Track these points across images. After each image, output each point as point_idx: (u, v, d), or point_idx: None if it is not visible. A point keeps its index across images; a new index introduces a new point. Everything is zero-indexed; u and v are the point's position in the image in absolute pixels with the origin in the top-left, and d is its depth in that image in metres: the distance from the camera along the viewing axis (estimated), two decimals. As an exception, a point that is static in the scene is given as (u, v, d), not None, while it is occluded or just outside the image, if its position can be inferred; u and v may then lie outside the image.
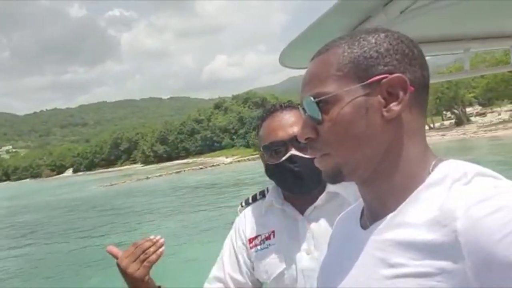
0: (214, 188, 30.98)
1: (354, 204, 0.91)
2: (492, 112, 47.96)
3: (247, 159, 65.53)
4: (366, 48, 0.71)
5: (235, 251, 1.45)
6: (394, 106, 0.70)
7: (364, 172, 0.73)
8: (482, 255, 0.56)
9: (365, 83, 0.70)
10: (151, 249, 1.18)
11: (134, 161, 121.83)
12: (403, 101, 0.69)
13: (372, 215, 0.76)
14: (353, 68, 0.71)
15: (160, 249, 1.20)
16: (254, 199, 1.52)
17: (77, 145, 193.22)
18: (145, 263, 1.17)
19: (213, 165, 65.42)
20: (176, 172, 60.76)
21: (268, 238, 1.40)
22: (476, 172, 0.66)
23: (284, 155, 1.32)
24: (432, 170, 0.70)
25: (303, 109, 0.75)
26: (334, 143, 0.72)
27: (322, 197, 1.36)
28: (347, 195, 1.34)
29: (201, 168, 62.26)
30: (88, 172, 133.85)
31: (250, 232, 1.44)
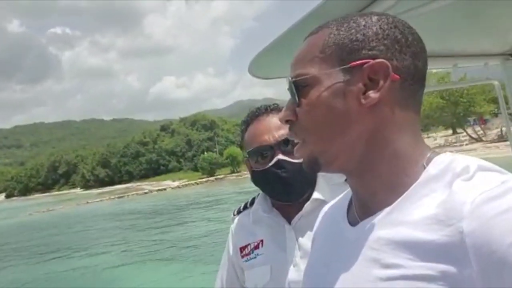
0: (158, 213, 30.02)
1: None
2: (428, 137, 51.01)
3: (195, 182, 64.63)
4: (353, 30, 0.67)
5: (230, 261, 1.42)
6: (372, 93, 0.65)
7: (347, 163, 0.69)
8: (493, 259, 0.52)
9: (345, 66, 0.66)
10: None
11: (73, 186, 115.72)
12: (382, 89, 0.65)
13: (362, 209, 0.71)
14: (337, 51, 0.67)
15: None
16: (245, 207, 1.48)
17: (10, 168, 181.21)
18: None
19: (159, 189, 63.61)
20: (119, 197, 58.33)
21: (256, 247, 1.35)
22: (478, 166, 0.61)
23: (271, 160, 1.26)
24: (427, 164, 0.66)
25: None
26: (310, 129, 0.69)
27: (308, 205, 1.29)
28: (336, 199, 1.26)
29: (146, 193, 60.29)
30: (22, 197, 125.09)
31: (241, 241, 1.40)
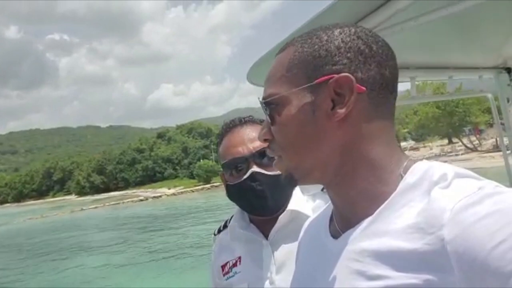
0: (155, 221, 29.85)
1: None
2: (424, 147, 51.15)
3: (191, 190, 64.33)
4: (316, 46, 0.67)
5: (214, 281, 1.39)
6: (339, 109, 0.65)
7: (322, 176, 0.70)
8: (475, 265, 0.52)
9: (311, 84, 0.66)
10: None
11: (68, 192, 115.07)
12: (349, 103, 0.65)
13: (343, 222, 0.71)
14: (302, 69, 0.67)
15: None
16: (225, 225, 1.43)
17: (4, 174, 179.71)
18: None
19: (154, 197, 63.28)
20: (114, 204, 57.97)
21: (235, 265, 1.31)
22: (455, 173, 0.61)
23: (246, 172, 1.22)
24: (404, 173, 0.65)
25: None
26: (285, 146, 0.70)
27: (282, 217, 1.25)
28: (313, 209, 1.25)
29: (141, 200, 59.93)
30: (16, 204, 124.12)
31: (221, 259, 1.36)
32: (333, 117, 0.66)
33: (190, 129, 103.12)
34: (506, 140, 2.79)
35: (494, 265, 0.50)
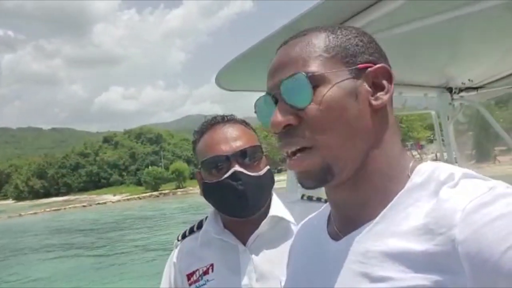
0: (95, 229, 28.71)
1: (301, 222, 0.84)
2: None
3: (138, 197, 62.53)
4: (350, 36, 0.67)
5: None
6: (382, 95, 0.65)
7: (349, 171, 0.65)
8: (486, 268, 0.50)
9: (353, 68, 0.65)
10: None
11: (5, 197, 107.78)
12: (389, 91, 0.66)
13: (345, 223, 0.68)
14: (341, 52, 0.66)
15: None
16: (192, 231, 1.36)
17: None
18: None
19: (98, 203, 60.84)
20: (55, 210, 55.06)
21: (206, 272, 1.23)
22: (462, 174, 0.61)
23: (226, 172, 1.17)
24: (410, 173, 0.65)
25: (275, 96, 0.67)
26: (324, 130, 0.63)
27: (265, 223, 1.21)
28: (293, 217, 1.23)
29: (84, 206, 57.43)
30: None
31: (187, 267, 1.27)
32: (375, 103, 0.65)
33: (139, 134, 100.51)
34: (445, 155, 2.96)
35: (506, 268, 0.49)
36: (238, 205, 1.19)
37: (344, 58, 0.65)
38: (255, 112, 0.74)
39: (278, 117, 0.65)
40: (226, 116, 1.28)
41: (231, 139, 1.21)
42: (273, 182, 1.26)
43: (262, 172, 1.21)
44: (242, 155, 1.19)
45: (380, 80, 0.66)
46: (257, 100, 0.72)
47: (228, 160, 1.18)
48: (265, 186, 1.23)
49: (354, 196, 0.67)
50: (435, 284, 0.53)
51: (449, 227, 0.54)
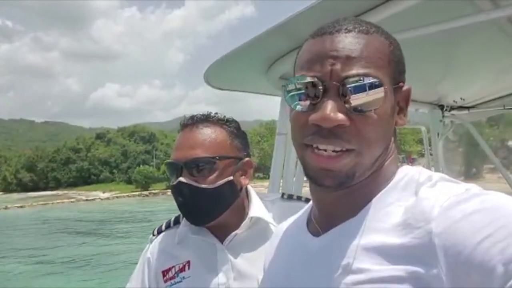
0: (82, 225, 28.45)
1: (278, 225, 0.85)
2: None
3: (127, 195, 62.08)
4: (398, 52, 0.68)
5: (145, 285, 1.26)
6: (404, 117, 0.70)
7: (362, 178, 0.67)
8: (460, 259, 0.53)
9: (397, 86, 0.67)
10: None
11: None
12: (407, 113, 0.69)
13: (328, 220, 0.70)
14: (394, 67, 0.66)
15: None
16: (168, 226, 1.33)
17: None
18: None
19: (87, 199, 60.30)
20: (43, 204, 54.49)
21: (182, 269, 1.21)
22: (440, 177, 0.64)
23: (176, 179, 1.16)
24: (394, 175, 0.69)
25: (327, 85, 0.63)
26: (372, 140, 0.64)
27: (244, 224, 1.21)
28: (273, 216, 1.23)
29: (72, 202, 56.89)
30: None
31: (163, 264, 1.24)
32: (400, 122, 0.69)
33: (132, 132, 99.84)
34: (433, 170, 3.01)
35: (478, 259, 0.51)
36: (188, 213, 1.20)
37: (394, 73, 0.66)
38: (283, 86, 0.69)
39: (336, 114, 0.62)
40: (202, 115, 1.23)
41: (187, 147, 1.17)
42: (233, 194, 1.20)
43: (214, 185, 1.15)
44: (192, 165, 1.16)
45: (403, 100, 0.69)
46: (295, 78, 0.67)
47: (180, 168, 1.16)
48: (217, 198, 1.18)
49: (347, 198, 0.68)
50: (411, 275, 0.55)
51: (427, 221, 0.56)
